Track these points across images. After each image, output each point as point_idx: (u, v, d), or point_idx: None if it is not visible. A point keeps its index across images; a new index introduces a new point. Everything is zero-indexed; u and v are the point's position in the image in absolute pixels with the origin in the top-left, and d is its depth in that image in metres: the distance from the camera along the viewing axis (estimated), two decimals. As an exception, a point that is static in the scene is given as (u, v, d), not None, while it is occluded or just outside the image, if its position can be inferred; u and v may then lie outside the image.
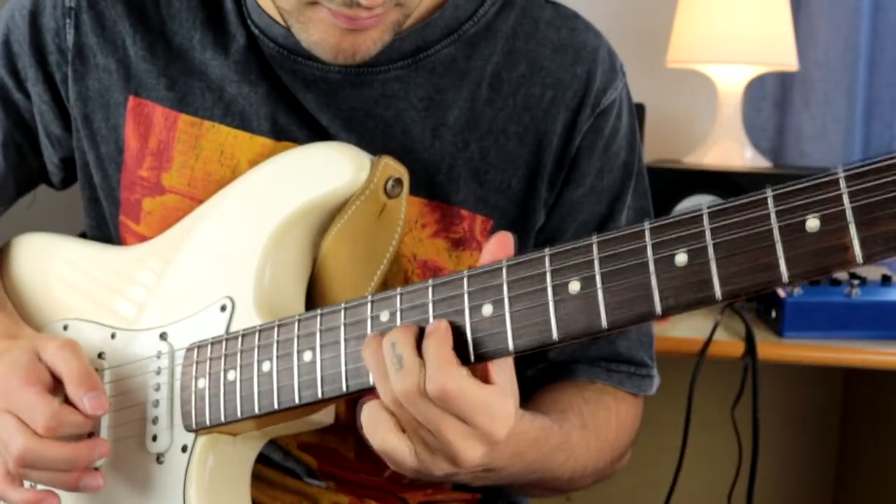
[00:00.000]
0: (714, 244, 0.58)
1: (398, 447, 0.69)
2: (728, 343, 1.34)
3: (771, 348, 1.33)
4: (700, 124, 1.96)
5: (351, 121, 0.89)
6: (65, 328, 0.94)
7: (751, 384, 1.38)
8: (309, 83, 0.89)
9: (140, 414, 0.85)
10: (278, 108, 0.90)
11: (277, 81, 0.90)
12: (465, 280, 0.68)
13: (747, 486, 1.41)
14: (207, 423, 0.81)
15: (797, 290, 1.34)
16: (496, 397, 0.67)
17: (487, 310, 0.67)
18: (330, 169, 0.82)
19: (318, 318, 0.75)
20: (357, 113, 0.89)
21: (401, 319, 0.71)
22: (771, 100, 1.94)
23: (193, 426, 0.82)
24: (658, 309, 0.60)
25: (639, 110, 1.74)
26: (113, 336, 0.90)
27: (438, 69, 0.89)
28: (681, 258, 0.59)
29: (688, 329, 1.38)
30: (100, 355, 0.90)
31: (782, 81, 1.93)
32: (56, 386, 0.81)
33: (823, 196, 0.55)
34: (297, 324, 0.77)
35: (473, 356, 0.67)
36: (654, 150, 1.88)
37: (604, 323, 0.62)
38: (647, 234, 0.61)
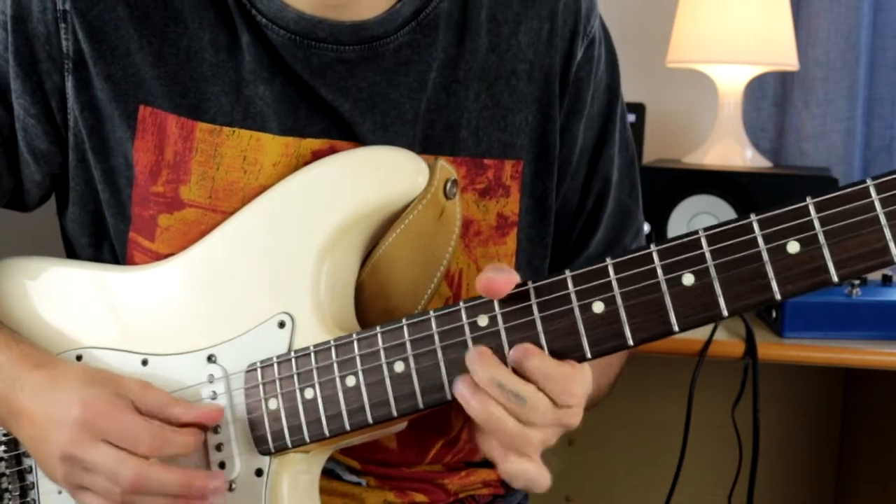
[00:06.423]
0: (824, 231, 0.62)
1: (536, 471, 0.74)
2: (728, 343, 1.34)
3: (771, 348, 1.33)
4: (700, 124, 1.96)
5: (372, 100, 0.88)
6: (78, 358, 0.87)
7: (751, 384, 1.37)
8: (325, 68, 0.87)
9: None
10: (297, 103, 0.87)
11: (292, 74, 0.87)
12: (569, 279, 0.70)
13: (747, 486, 1.41)
14: (289, 444, 0.79)
15: (797, 290, 1.34)
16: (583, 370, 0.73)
17: (598, 307, 0.69)
18: (388, 172, 0.81)
19: (405, 328, 0.75)
20: (377, 88, 0.88)
21: (503, 322, 0.72)
22: (771, 99, 1.94)
23: (271, 449, 0.80)
24: (778, 294, 0.64)
25: (639, 110, 1.74)
26: (145, 363, 0.85)
27: (440, 25, 0.90)
28: (793, 247, 0.63)
29: (688, 329, 1.37)
30: None
31: (782, 81, 1.93)
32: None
33: None
34: (379, 336, 0.75)
35: (590, 352, 0.70)
36: (654, 149, 1.88)
37: (724, 311, 0.65)
38: (756, 226, 0.64)
